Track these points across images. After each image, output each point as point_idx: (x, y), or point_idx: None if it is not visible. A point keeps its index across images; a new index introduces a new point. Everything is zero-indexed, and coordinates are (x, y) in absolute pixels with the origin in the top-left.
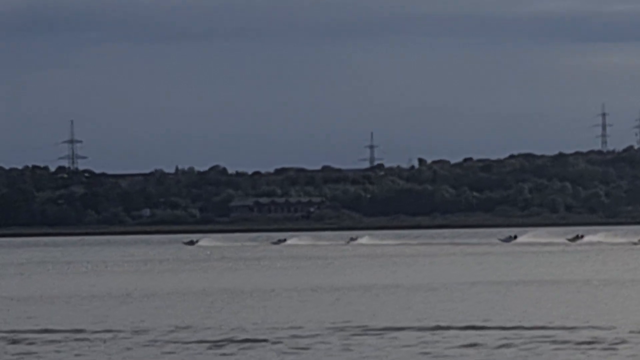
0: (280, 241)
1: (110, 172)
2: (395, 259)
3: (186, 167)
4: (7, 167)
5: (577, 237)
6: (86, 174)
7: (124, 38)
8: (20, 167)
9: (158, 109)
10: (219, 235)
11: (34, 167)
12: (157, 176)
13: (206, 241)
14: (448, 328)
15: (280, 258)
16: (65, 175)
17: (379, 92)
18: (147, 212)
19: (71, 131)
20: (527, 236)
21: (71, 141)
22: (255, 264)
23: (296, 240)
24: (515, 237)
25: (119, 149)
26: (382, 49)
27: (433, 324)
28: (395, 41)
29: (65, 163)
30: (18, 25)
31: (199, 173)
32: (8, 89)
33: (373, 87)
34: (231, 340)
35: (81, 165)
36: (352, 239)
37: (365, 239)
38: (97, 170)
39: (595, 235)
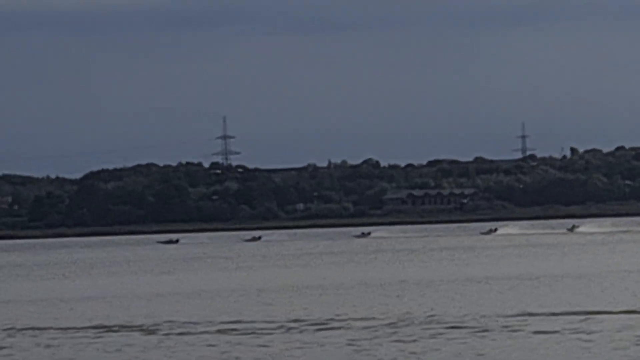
0: (491, 231)
1: (263, 167)
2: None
3: (339, 161)
4: (161, 164)
5: None
6: (240, 170)
7: (277, 31)
8: (174, 163)
9: (310, 103)
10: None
11: (188, 163)
12: (310, 170)
13: (378, 233)
14: None
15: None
16: (219, 171)
17: (530, 81)
18: (300, 206)
19: (224, 127)
20: None
21: (224, 137)
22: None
23: (507, 229)
24: None
25: (272, 144)
26: (533, 37)
27: None
28: (547, 28)
29: (219, 159)
30: (172, 20)
31: (352, 166)
32: (162, 85)
33: (525, 77)
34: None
35: (235, 161)
36: (574, 227)
37: (587, 227)
38: (251, 166)
39: None
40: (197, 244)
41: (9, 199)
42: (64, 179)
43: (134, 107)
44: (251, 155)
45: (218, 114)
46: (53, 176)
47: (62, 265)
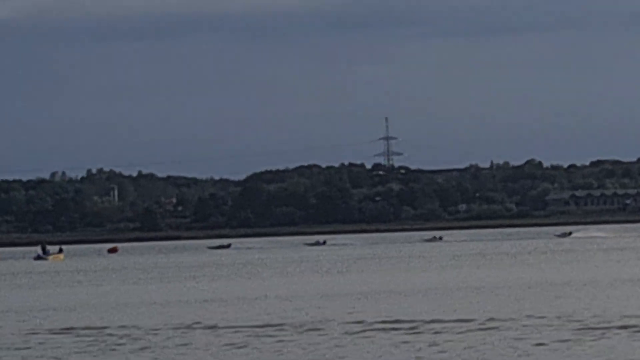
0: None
1: (425, 168)
2: None
3: (501, 162)
4: (324, 165)
5: None
6: (402, 171)
7: (441, 33)
8: (337, 165)
9: (472, 104)
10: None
11: (351, 164)
12: (472, 171)
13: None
14: None
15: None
16: (382, 172)
17: None
18: (463, 207)
19: (386, 128)
20: None
21: (387, 138)
22: None
23: None
24: None
25: (434, 145)
26: None
27: None
28: None
29: (381, 160)
30: (335, 22)
31: (514, 167)
32: (326, 86)
33: None
34: None
35: (397, 162)
36: None
37: None
38: (413, 167)
39: None
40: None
41: (174, 200)
42: (227, 180)
43: (296, 109)
44: (413, 157)
45: (380, 115)
46: (217, 177)
47: (230, 266)
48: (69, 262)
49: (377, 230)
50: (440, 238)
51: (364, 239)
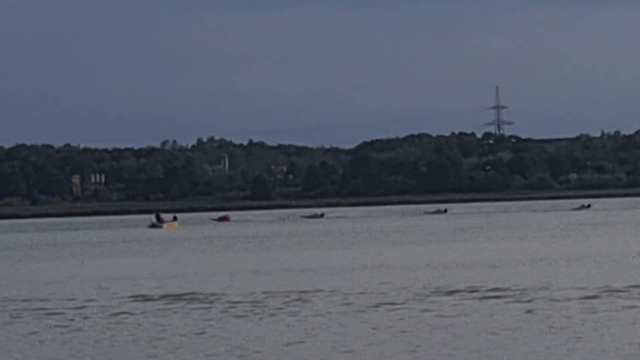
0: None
1: (536, 137)
2: None
3: (612, 131)
4: (434, 134)
5: None
6: (512, 140)
7: (549, 1)
8: (447, 134)
9: (582, 73)
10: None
11: (461, 133)
12: (583, 140)
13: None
14: None
15: None
16: (492, 142)
17: None
18: (573, 176)
19: (497, 97)
20: None
21: (497, 107)
22: None
23: None
24: None
25: (544, 114)
26: None
27: None
28: None
29: (492, 129)
30: None
31: (625, 136)
32: (436, 55)
33: None
34: None
35: (507, 131)
36: None
37: None
38: (523, 136)
39: None
40: (465, 214)
41: (284, 168)
42: (338, 149)
43: (406, 78)
44: (524, 126)
45: (491, 84)
46: (327, 146)
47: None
48: (183, 230)
49: (487, 200)
50: (589, 206)
51: (476, 208)
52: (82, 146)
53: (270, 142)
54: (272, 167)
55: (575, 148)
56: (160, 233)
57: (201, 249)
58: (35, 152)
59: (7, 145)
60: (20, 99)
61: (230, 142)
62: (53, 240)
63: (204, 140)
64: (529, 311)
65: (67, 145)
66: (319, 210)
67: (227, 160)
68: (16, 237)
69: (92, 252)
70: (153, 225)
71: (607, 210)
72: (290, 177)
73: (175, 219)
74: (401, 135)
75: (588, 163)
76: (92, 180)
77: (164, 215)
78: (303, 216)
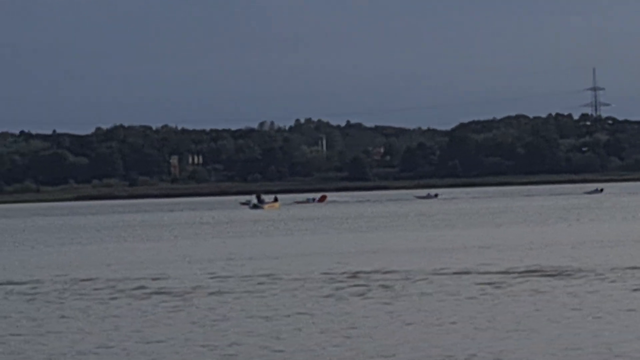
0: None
1: (633, 118)
2: None
3: None
4: (531, 116)
5: None
6: (609, 121)
7: None
8: (544, 115)
9: None
10: None
11: (558, 114)
12: None
13: None
14: None
15: None
16: (589, 123)
17: None
18: None
19: (594, 78)
20: None
21: (594, 89)
22: None
23: None
24: None
25: None
26: None
27: None
28: None
29: (589, 110)
30: None
31: None
32: (534, 36)
33: None
34: None
35: (604, 113)
36: None
37: None
38: (620, 117)
39: None
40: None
41: (381, 150)
42: (435, 130)
43: (503, 60)
44: (621, 107)
45: (588, 66)
46: (424, 127)
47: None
48: (284, 210)
49: (584, 181)
50: None
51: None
52: (180, 127)
53: (368, 123)
54: (370, 148)
55: None
56: (263, 214)
57: (316, 229)
58: (134, 133)
59: (105, 127)
60: (119, 81)
61: (328, 124)
62: (159, 221)
63: (302, 121)
64: None
65: (165, 126)
66: (432, 191)
67: (324, 142)
68: (118, 218)
69: (209, 231)
70: (254, 206)
71: None
72: (388, 158)
73: (276, 199)
74: (498, 117)
75: None
76: (190, 161)
77: (264, 196)
78: (417, 196)
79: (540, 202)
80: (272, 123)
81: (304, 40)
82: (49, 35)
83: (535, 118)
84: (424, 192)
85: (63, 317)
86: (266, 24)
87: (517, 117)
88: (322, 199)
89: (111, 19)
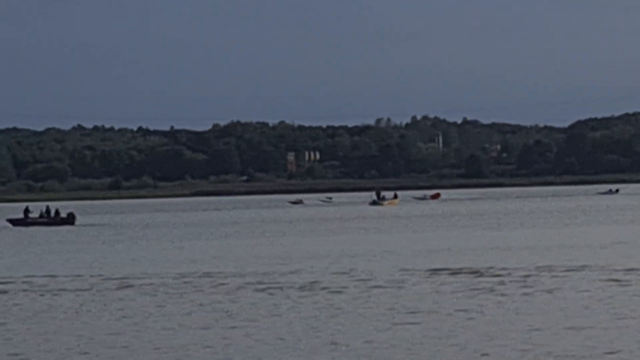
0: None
1: None
2: None
3: None
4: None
5: None
6: None
7: None
8: None
9: None
10: None
11: None
12: None
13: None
14: None
15: None
16: None
17: None
18: None
19: None
20: None
21: None
22: None
23: None
24: None
25: None
26: None
27: None
28: None
29: None
30: None
31: None
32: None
33: None
34: None
35: None
36: None
37: None
38: None
39: None
40: None
41: (498, 147)
42: (552, 128)
43: (623, 56)
44: None
45: None
46: (541, 125)
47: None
48: (403, 207)
49: None
50: None
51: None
52: (296, 124)
53: (484, 121)
54: (486, 145)
55: None
56: (383, 210)
57: (452, 225)
58: (251, 129)
59: (222, 123)
60: (236, 77)
61: (444, 121)
62: (285, 217)
63: (418, 118)
64: None
65: (282, 122)
66: (614, 187)
67: (440, 139)
68: (238, 214)
69: (335, 228)
70: (374, 202)
71: None
72: (504, 155)
73: (395, 196)
74: (616, 114)
75: None
76: (307, 157)
77: (384, 193)
78: (599, 192)
79: None
80: (388, 120)
81: (421, 38)
82: (167, 31)
83: None
84: (605, 187)
85: (275, 305)
86: (384, 22)
87: (635, 114)
88: (435, 196)
89: (226, 16)
